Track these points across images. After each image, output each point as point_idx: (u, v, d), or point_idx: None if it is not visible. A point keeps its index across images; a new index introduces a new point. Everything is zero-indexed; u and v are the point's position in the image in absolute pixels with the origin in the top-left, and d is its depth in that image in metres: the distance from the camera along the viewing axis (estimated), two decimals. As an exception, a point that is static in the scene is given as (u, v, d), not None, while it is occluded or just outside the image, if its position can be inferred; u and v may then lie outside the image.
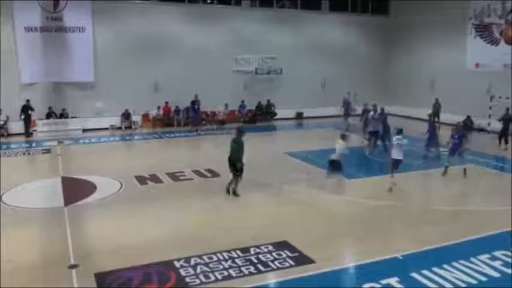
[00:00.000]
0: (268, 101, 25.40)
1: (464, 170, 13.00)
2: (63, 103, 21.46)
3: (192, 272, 7.12)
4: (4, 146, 17.93)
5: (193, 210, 10.35)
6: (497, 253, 7.77)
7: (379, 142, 16.53)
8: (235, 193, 10.95)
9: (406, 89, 26.34)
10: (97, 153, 17.34)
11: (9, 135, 20.28)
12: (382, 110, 17.17)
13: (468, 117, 19.50)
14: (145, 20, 22.63)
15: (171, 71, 22.86)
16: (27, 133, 20.41)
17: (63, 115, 21.52)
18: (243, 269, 7.25)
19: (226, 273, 7.11)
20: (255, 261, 7.52)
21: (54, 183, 12.48)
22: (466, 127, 17.65)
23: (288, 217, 9.84)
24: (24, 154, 17.07)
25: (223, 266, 7.34)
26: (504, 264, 7.42)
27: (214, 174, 13.41)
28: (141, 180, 12.74)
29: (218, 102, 23.86)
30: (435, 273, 7.05)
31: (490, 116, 20.60)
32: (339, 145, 11.88)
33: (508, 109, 17.92)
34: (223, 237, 8.53)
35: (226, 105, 24.27)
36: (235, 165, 10.77)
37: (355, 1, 27.76)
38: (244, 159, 10.92)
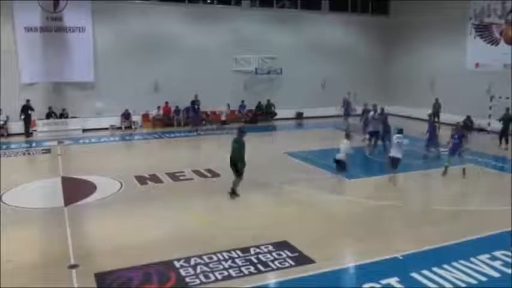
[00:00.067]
0: (268, 101, 25.41)
1: (463, 169, 13.02)
2: (63, 103, 21.46)
3: (192, 272, 7.12)
4: (4, 146, 17.93)
5: (193, 210, 10.35)
6: (497, 253, 7.77)
7: (379, 142, 16.52)
8: (234, 193, 10.93)
9: (406, 89, 26.35)
10: (97, 153, 17.34)
11: (9, 135, 20.29)
12: (382, 110, 17.17)
13: (468, 117, 19.51)
14: (145, 20, 22.64)
15: (171, 71, 22.86)
16: (27, 133, 20.42)
17: (63, 115, 21.52)
18: (243, 269, 7.25)
19: (226, 273, 7.11)
20: (255, 261, 7.52)
21: (54, 183, 12.48)
22: (466, 127, 17.67)
23: (288, 217, 9.83)
24: (24, 154, 17.07)
25: (223, 266, 7.34)
26: (504, 264, 7.42)
27: (214, 174, 13.41)
28: (141, 180, 12.74)
29: (218, 102, 23.77)
30: (435, 273, 7.05)
31: (490, 116, 20.60)
32: (344, 145, 11.85)
33: (508, 109, 17.93)
34: (223, 237, 8.53)
35: (228, 105, 24.25)
36: (236, 165, 10.76)
37: (355, 1, 27.76)
38: (245, 159, 10.91)
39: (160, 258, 7.53)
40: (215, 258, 7.59)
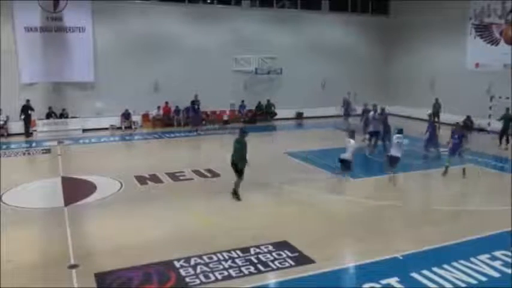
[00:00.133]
0: (268, 101, 25.41)
1: (463, 170, 13.02)
2: (63, 103, 21.46)
3: (192, 272, 7.12)
4: (4, 146, 17.93)
5: (193, 210, 10.34)
6: (497, 253, 7.77)
7: (379, 142, 16.52)
8: (237, 195, 10.85)
9: (406, 89, 26.35)
10: (97, 153, 17.34)
11: (9, 135, 20.28)
12: (383, 110, 17.18)
13: (468, 117, 19.52)
14: (145, 20, 22.64)
15: (171, 71, 22.86)
16: (27, 133, 20.42)
17: (63, 115, 21.52)
18: (243, 269, 7.25)
19: (226, 273, 7.11)
20: (255, 261, 7.52)
21: (54, 183, 12.48)
22: (466, 127, 17.67)
23: (288, 217, 9.84)
24: (24, 154, 17.07)
25: (223, 266, 7.34)
26: (504, 264, 7.42)
27: (214, 174, 13.41)
28: (141, 180, 12.74)
29: (218, 102, 23.84)
30: (435, 273, 7.05)
31: (490, 116, 20.61)
32: (349, 144, 11.69)
33: (508, 109, 17.93)
34: (223, 237, 8.53)
35: (232, 105, 24.24)
36: (237, 165, 10.74)
37: (355, 1, 27.76)
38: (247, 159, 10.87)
39: (160, 258, 7.53)
40: (215, 258, 7.59)
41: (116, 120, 22.36)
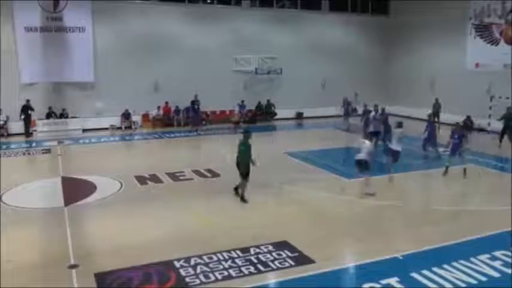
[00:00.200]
0: (268, 101, 25.40)
1: (464, 170, 13.00)
2: (63, 103, 21.46)
3: (192, 272, 7.12)
4: (4, 146, 17.93)
5: (193, 210, 10.34)
6: (497, 253, 7.77)
7: (379, 142, 16.51)
8: (243, 199, 10.74)
9: (406, 89, 26.34)
10: (97, 153, 17.34)
11: (9, 135, 20.29)
12: (383, 110, 17.16)
13: (468, 117, 19.52)
14: (145, 20, 22.64)
15: (171, 71, 22.86)
16: (27, 133, 20.42)
17: (63, 115, 21.52)
18: (243, 269, 7.25)
19: (226, 273, 7.11)
20: (255, 261, 7.51)
21: (54, 183, 12.48)
22: (466, 127, 17.67)
23: (288, 217, 9.83)
24: (24, 154, 17.07)
25: (223, 266, 7.34)
26: (504, 264, 7.42)
27: (214, 174, 13.41)
28: (141, 180, 12.74)
29: (218, 102, 23.86)
30: (435, 273, 7.05)
31: (490, 116, 20.61)
32: (365, 145, 11.41)
33: (509, 108, 17.92)
34: (223, 237, 8.53)
35: (239, 105, 24.19)
36: (242, 168, 10.62)
37: (355, 1, 27.75)
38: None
39: (160, 258, 7.53)
40: (215, 258, 7.59)
41: (116, 120, 22.36)
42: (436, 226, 9.23)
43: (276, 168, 14.25)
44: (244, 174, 10.63)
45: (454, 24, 23.32)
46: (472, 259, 7.54)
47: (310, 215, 9.99)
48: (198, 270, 7.19)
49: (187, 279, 6.92)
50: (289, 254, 7.74)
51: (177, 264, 7.36)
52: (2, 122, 20.20)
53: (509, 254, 7.75)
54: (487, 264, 7.39)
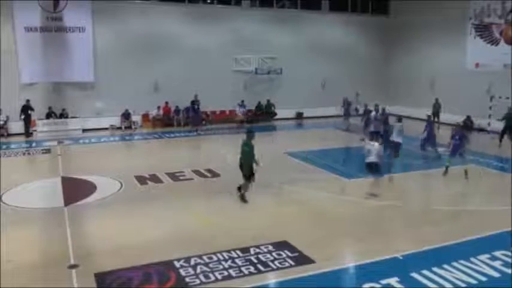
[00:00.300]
0: (268, 101, 25.40)
1: (465, 171, 12.96)
2: (63, 103, 21.47)
3: (192, 272, 7.12)
4: (4, 146, 17.93)
5: (193, 210, 10.34)
6: (497, 253, 7.77)
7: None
8: (243, 198, 10.71)
9: (406, 89, 26.35)
10: (97, 153, 17.34)
11: (9, 135, 20.29)
12: (383, 110, 17.16)
13: (468, 117, 19.52)
14: (145, 20, 22.64)
15: (171, 71, 22.86)
16: (27, 133, 20.42)
17: (63, 115, 21.52)
18: (243, 269, 7.25)
19: (226, 273, 7.11)
20: (255, 261, 7.51)
21: (54, 183, 12.48)
22: (466, 127, 17.67)
23: (288, 217, 9.83)
24: (24, 154, 17.07)
25: (223, 266, 7.34)
26: (504, 264, 7.42)
27: (214, 174, 13.41)
28: (141, 180, 12.74)
29: (218, 102, 23.86)
30: (435, 273, 7.05)
31: (490, 116, 20.60)
32: (374, 147, 11.24)
33: (510, 108, 17.92)
34: (223, 237, 8.53)
35: (240, 105, 24.18)
36: (246, 169, 10.58)
37: (355, 1, 27.76)
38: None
39: (160, 258, 7.53)
40: (215, 258, 7.59)
41: (116, 120, 22.36)
42: (436, 226, 9.23)
43: (276, 168, 14.24)
44: (248, 176, 10.58)
45: (454, 24, 23.32)
46: (472, 259, 7.53)
47: (310, 215, 9.99)
48: (198, 270, 7.19)
49: (187, 279, 6.92)
50: (289, 254, 7.74)
51: (177, 264, 7.36)
52: (2, 122, 20.20)
53: (509, 254, 7.74)
54: (487, 264, 7.39)
